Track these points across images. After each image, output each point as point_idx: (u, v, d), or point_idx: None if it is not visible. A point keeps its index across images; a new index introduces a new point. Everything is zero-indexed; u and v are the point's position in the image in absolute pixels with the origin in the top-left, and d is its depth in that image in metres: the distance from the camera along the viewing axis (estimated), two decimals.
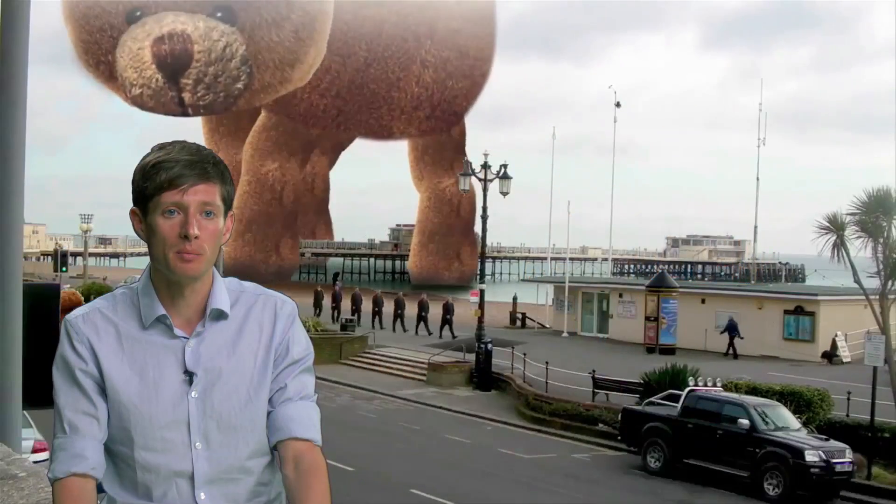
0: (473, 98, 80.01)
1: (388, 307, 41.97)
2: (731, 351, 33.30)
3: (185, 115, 59.83)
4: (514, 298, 48.90)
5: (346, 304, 42.86)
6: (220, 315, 2.00)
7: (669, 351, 32.62)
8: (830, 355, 32.27)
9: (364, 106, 72.47)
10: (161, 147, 1.96)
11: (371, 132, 78.39)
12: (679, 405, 19.72)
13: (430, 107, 75.59)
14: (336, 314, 42.21)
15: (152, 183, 1.90)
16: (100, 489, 1.98)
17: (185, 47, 53.88)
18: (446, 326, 38.92)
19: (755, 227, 76.59)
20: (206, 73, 54.86)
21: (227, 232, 2.00)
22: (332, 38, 60.29)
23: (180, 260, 1.91)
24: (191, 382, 1.95)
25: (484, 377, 29.38)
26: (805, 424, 19.49)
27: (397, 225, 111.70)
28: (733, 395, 20.20)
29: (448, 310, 39.10)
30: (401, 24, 70.63)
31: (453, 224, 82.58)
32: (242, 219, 69.11)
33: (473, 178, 33.37)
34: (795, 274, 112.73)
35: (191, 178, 1.90)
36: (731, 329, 33.53)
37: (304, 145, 76.36)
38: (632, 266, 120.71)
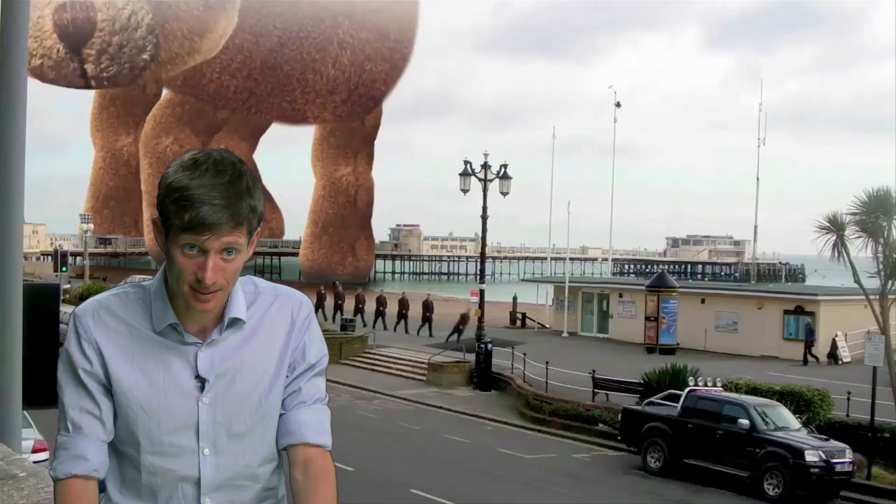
0: (393, 83, 74.67)
1: (392, 308, 42.04)
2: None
3: (88, 87, 56.68)
4: (514, 298, 48.90)
5: (349, 303, 42.86)
6: (235, 323, 1.93)
7: (669, 351, 32.65)
8: (832, 355, 32.31)
9: (277, 88, 68.26)
10: (194, 164, 1.79)
11: (284, 116, 73.98)
12: (679, 405, 19.72)
13: (346, 91, 70.98)
14: (339, 314, 42.14)
15: (175, 217, 1.77)
16: (102, 487, 1.94)
17: (87, 16, 50.80)
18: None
19: (755, 227, 76.45)
20: (110, 42, 51.77)
21: (252, 247, 1.88)
22: (245, 14, 56.99)
23: (194, 298, 1.83)
24: (202, 388, 1.90)
25: (484, 377, 29.38)
26: (805, 424, 19.49)
27: (397, 225, 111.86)
28: (733, 395, 20.20)
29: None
30: (317, 1, 66.54)
31: (349, 216, 77.17)
32: None
33: (473, 177, 33.38)
34: (795, 274, 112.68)
35: (216, 228, 1.76)
36: None
37: (208, 125, 72.05)
38: (632, 266, 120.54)
